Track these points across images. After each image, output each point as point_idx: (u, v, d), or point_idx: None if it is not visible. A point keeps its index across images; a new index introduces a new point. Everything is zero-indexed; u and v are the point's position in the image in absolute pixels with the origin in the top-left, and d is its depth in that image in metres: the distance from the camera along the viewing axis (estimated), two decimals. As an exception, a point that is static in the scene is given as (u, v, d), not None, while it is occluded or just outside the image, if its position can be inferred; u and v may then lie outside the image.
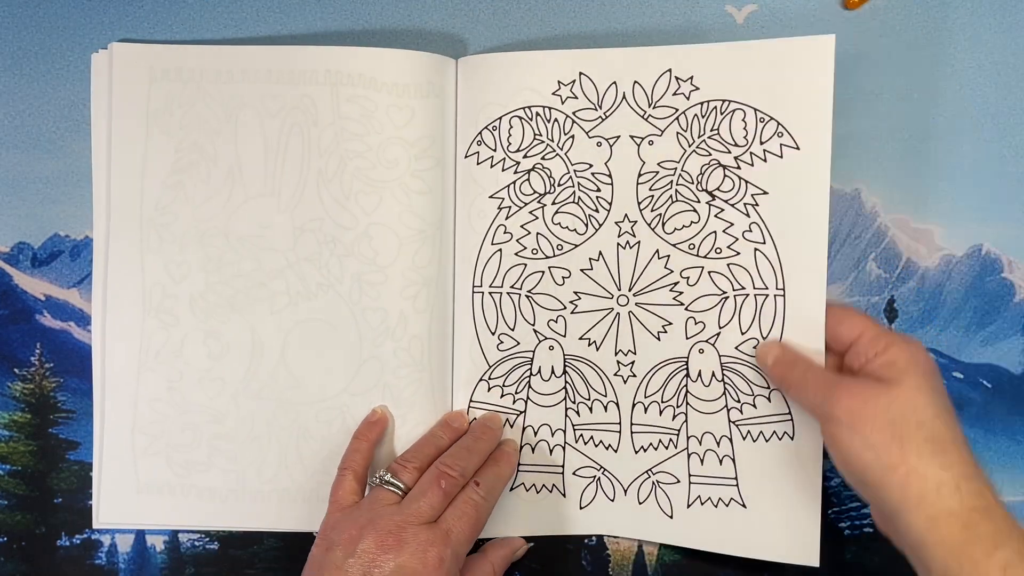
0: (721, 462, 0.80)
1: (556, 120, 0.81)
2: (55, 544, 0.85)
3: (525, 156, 0.81)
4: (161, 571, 0.85)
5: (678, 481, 0.81)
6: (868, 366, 0.71)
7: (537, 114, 0.81)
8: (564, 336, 0.81)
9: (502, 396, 0.82)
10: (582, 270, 0.81)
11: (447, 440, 0.80)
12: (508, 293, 0.82)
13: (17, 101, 0.84)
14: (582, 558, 0.84)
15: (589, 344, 0.81)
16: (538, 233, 0.81)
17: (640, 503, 0.82)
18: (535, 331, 0.82)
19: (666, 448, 0.81)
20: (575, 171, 0.81)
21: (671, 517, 0.81)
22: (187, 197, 0.81)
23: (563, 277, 0.81)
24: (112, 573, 0.85)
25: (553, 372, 0.81)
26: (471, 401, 0.83)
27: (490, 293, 0.82)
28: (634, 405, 0.81)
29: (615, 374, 0.81)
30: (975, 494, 0.64)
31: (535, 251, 0.81)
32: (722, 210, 0.79)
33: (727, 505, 0.80)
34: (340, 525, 0.73)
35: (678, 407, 0.80)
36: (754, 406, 0.79)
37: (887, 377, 0.68)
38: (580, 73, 0.80)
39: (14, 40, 0.84)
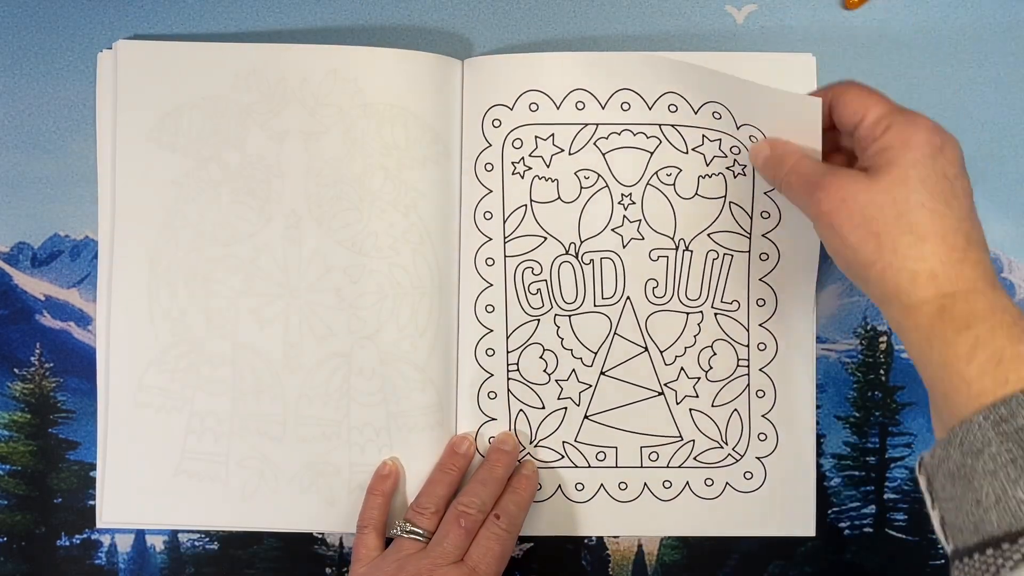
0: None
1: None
2: (55, 544, 0.85)
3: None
4: (161, 571, 0.85)
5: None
6: (865, 154, 0.66)
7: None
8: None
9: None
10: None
11: (457, 472, 0.80)
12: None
13: (17, 101, 0.84)
14: (582, 558, 0.84)
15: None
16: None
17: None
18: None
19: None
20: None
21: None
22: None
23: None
24: (112, 573, 0.85)
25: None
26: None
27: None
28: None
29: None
30: (954, 279, 0.60)
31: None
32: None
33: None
34: None
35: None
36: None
37: (876, 166, 0.63)
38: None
39: (14, 39, 0.84)
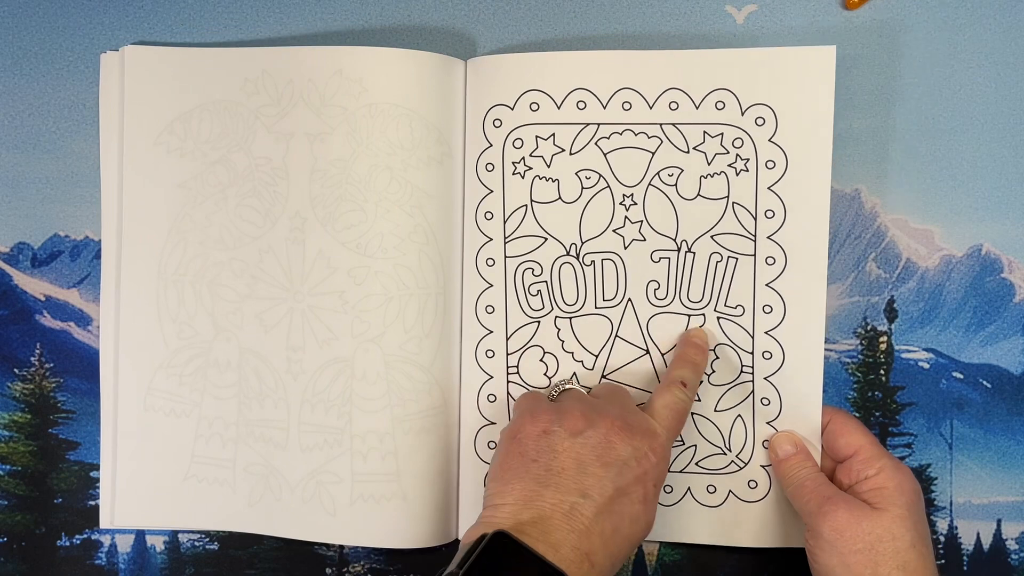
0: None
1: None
2: (55, 544, 0.85)
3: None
4: (161, 571, 0.85)
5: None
6: (858, 486, 0.75)
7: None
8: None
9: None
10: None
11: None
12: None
13: (18, 101, 0.84)
14: (582, 558, 0.84)
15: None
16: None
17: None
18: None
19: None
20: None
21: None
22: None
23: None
24: (112, 573, 0.85)
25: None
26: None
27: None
28: None
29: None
30: None
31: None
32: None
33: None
34: (558, 413, 0.72)
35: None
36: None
37: (874, 502, 0.74)
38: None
39: (15, 40, 0.84)
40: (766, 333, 0.80)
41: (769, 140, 0.79)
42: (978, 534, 0.83)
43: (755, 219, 0.80)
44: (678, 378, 0.76)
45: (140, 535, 0.85)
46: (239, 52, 0.82)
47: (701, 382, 0.81)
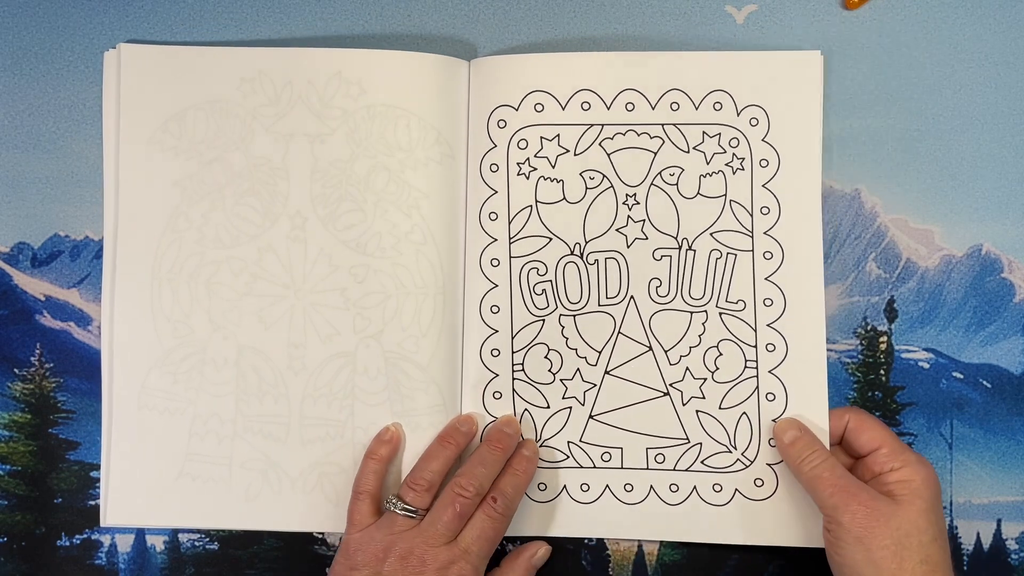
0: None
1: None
2: (55, 544, 0.85)
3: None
4: (161, 571, 0.85)
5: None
6: (882, 478, 0.75)
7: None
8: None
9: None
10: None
11: (455, 448, 0.80)
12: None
13: (17, 101, 0.84)
14: (582, 558, 0.84)
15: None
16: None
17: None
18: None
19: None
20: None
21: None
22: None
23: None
24: (112, 573, 0.85)
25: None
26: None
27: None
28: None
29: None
30: None
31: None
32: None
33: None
34: (363, 546, 0.76)
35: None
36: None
37: (899, 495, 0.74)
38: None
39: (15, 40, 0.84)
40: (768, 326, 0.81)
41: (762, 140, 0.81)
42: (978, 534, 0.83)
43: (751, 216, 0.81)
44: (495, 493, 0.78)
45: (140, 535, 0.85)
46: (235, 52, 0.82)
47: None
